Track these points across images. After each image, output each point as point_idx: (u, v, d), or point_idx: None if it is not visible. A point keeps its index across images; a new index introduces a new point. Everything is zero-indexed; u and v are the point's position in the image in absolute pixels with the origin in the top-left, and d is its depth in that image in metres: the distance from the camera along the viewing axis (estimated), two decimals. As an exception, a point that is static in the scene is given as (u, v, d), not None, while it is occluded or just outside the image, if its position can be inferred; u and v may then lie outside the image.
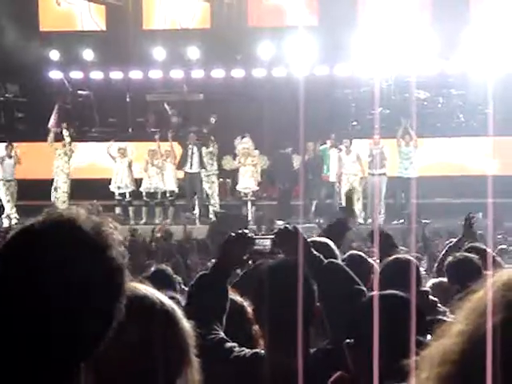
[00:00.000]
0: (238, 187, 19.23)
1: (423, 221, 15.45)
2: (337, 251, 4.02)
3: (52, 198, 19.18)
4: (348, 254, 5.39)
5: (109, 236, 1.53)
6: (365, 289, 3.26)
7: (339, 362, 2.65)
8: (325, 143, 19.48)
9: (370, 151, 18.66)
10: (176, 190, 19.33)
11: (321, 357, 2.92)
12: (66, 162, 19.46)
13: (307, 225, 15.75)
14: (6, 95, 22.15)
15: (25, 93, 22.25)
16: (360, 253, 5.53)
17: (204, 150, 19.14)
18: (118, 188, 19.36)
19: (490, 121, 17.64)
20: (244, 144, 19.14)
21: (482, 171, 18.80)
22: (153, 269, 6.20)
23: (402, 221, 17.77)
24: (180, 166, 19.25)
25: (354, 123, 21.27)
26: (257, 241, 3.39)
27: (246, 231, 3.44)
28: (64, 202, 18.97)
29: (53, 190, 19.37)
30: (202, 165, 19.08)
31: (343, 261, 4.67)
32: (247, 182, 19.03)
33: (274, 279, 2.99)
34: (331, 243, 4.05)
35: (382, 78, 20.78)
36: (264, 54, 20.92)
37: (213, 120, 19.40)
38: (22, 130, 22.17)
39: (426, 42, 19.78)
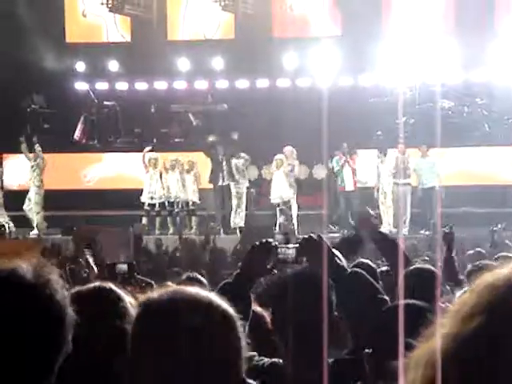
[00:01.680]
0: (271, 196, 19.15)
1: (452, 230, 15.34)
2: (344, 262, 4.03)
3: (24, 207, 19.23)
4: (355, 262, 5.39)
5: (49, 286, 1.56)
6: (388, 298, 3.26)
7: (359, 373, 2.65)
8: (335, 155, 19.28)
9: (395, 161, 18.62)
10: (198, 201, 19.30)
11: (340, 367, 2.93)
12: (37, 174, 19.34)
13: (331, 235, 15.73)
14: (33, 106, 22.29)
15: (51, 104, 22.39)
16: (368, 261, 5.50)
17: (234, 161, 19.08)
18: (152, 199, 19.29)
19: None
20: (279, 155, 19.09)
21: (507, 181, 18.69)
22: (184, 276, 6.21)
23: (428, 231, 17.70)
24: (212, 179, 19.13)
25: (379, 133, 21.21)
26: (281, 250, 3.42)
27: (270, 240, 3.47)
28: (38, 212, 19.02)
29: (27, 199, 19.43)
30: (232, 177, 19.03)
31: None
32: (280, 191, 18.97)
33: (294, 288, 3.00)
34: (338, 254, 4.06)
35: (406, 87, 20.72)
36: (288, 64, 20.96)
37: (235, 136, 19.42)
38: (48, 141, 22.30)
39: (450, 51, 19.73)
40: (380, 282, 5.13)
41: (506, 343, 1.07)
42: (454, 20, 20.84)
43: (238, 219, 18.97)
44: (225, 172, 19.06)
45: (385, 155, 18.72)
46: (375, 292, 3.29)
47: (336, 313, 3.04)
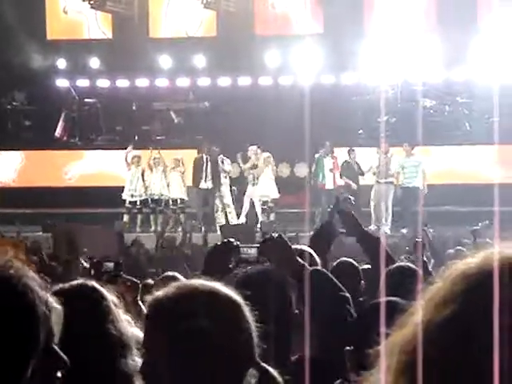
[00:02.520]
0: (257, 195, 19.15)
1: (428, 229, 15.40)
2: (317, 259, 4.02)
3: None
4: (338, 261, 5.38)
5: (22, 282, 1.53)
6: (349, 295, 3.29)
7: (323, 370, 2.65)
8: (317, 152, 19.28)
9: (378, 159, 18.66)
10: (186, 198, 19.23)
11: (303, 364, 2.93)
12: None
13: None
14: (13, 103, 22.21)
15: (32, 101, 22.31)
16: (351, 260, 5.50)
17: (218, 165, 19.07)
18: (132, 196, 19.24)
19: (495, 129, 17.60)
20: (266, 153, 19.08)
21: (489, 179, 18.77)
22: (162, 276, 6.21)
23: (407, 230, 17.75)
24: (195, 181, 19.06)
25: (360, 131, 21.27)
26: (243, 249, 3.44)
27: (232, 240, 3.50)
28: None
29: None
30: (215, 180, 19.00)
31: (333, 268, 4.68)
32: (269, 190, 19.00)
33: (247, 287, 3.01)
34: (312, 251, 4.04)
35: (388, 85, 20.77)
36: (270, 62, 20.96)
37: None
38: (29, 138, 22.22)
39: (431, 49, 19.80)
40: (362, 282, 5.14)
41: (479, 330, 1.08)
42: (435, 18, 20.90)
43: (225, 218, 19.00)
44: (208, 173, 19.03)
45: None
46: (337, 290, 3.31)
47: (297, 311, 3.04)
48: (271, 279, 2.92)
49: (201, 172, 18.95)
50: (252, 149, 19.13)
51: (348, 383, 2.60)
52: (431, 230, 15.94)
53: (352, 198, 5.67)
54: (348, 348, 2.60)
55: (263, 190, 19.00)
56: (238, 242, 3.53)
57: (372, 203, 18.44)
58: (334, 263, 5.34)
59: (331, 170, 19.01)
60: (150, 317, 1.96)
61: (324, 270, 3.52)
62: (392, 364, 1.14)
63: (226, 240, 3.53)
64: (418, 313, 1.15)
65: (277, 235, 3.39)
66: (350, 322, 3.03)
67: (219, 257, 3.40)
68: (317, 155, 19.12)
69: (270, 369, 2.02)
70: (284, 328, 2.82)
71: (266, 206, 19.00)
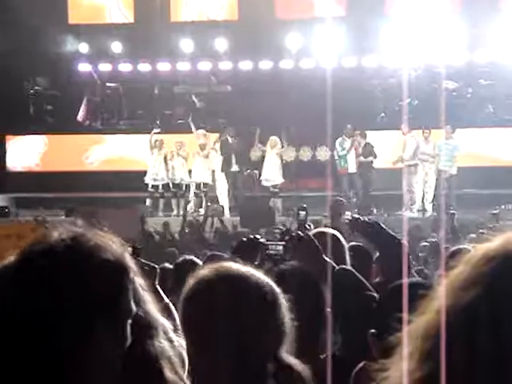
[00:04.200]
0: (264, 179, 19.17)
1: (452, 211, 15.37)
2: (344, 242, 4.02)
3: None
4: (349, 245, 5.37)
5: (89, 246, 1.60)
6: (376, 295, 3.27)
7: (349, 367, 2.65)
8: (339, 135, 19.17)
9: (415, 142, 18.61)
10: (209, 182, 19.21)
11: (331, 362, 2.93)
12: None
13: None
14: (36, 88, 22.28)
15: (54, 85, 22.38)
16: (360, 243, 5.48)
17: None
18: (154, 180, 19.28)
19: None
20: (272, 137, 19.10)
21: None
22: (180, 259, 6.21)
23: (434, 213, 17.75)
24: (224, 167, 19.12)
25: (382, 114, 21.19)
26: (270, 246, 3.44)
27: (258, 236, 3.49)
28: None
29: None
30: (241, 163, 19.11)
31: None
32: (273, 175, 19.01)
33: (288, 286, 3.03)
34: (339, 235, 4.03)
35: (410, 68, 20.64)
36: (292, 45, 20.88)
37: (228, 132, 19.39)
38: (51, 123, 22.32)
39: (454, 31, 19.63)
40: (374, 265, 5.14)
41: (506, 312, 1.08)
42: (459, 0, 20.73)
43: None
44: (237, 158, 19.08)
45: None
46: (363, 289, 3.30)
47: (329, 309, 3.04)
48: (308, 277, 2.92)
49: (229, 155, 18.99)
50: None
51: (371, 366, 2.59)
52: (455, 213, 15.93)
53: (341, 199, 5.62)
54: (372, 331, 2.60)
55: (266, 174, 19.02)
56: (264, 240, 3.52)
57: (406, 186, 18.35)
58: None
59: (354, 153, 18.93)
60: (191, 297, 1.98)
61: (349, 268, 3.49)
62: (415, 350, 1.14)
63: (252, 236, 3.50)
64: (439, 298, 1.15)
65: (304, 233, 3.37)
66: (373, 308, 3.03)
67: (245, 253, 3.37)
68: (339, 139, 19.03)
69: (294, 363, 2.01)
70: (316, 326, 2.82)
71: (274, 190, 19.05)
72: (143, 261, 4.91)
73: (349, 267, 3.48)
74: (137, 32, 21.47)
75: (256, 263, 3.38)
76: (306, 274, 3.00)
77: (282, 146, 19.29)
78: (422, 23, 19.36)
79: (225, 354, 1.91)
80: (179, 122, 21.58)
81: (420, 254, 10.74)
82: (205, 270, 2.01)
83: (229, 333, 1.89)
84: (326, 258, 3.27)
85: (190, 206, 19.14)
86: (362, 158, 18.86)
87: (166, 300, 4.81)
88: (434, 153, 18.53)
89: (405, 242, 4.37)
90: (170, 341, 2.01)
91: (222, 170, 19.05)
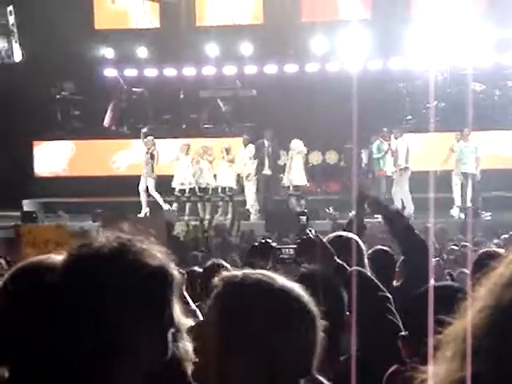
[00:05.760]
0: (290, 182, 19.16)
1: (484, 214, 15.32)
2: (363, 246, 4.01)
3: None
4: (373, 249, 5.38)
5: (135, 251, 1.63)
6: (390, 296, 3.26)
7: (368, 369, 2.63)
8: (377, 139, 19.11)
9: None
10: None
11: (350, 364, 2.92)
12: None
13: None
14: (63, 93, 22.41)
15: (80, 90, 22.50)
16: (385, 247, 5.51)
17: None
18: (181, 184, 19.32)
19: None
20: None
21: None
22: (209, 262, 6.20)
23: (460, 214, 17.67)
24: (257, 168, 19.12)
25: (409, 117, 21.10)
26: (282, 250, 3.44)
27: (269, 240, 3.50)
28: None
29: None
30: (274, 167, 19.10)
31: (368, 257, 4.66)
32: (298, 178, 19.00)
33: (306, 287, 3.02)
34: (357, 238, 4.02)
35: (436, 70, 20.54)
36: (317, 48, 20.86)
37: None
38: (78, 128, 22.44)
39: (481, 33, 19.51)
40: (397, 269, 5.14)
41: None
42: (485, 2, 20.61)
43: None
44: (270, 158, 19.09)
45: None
46: (376, 290, 3.29)
47: (348, 312, 3.03)
48: (328, 280, 2.91)
49: (263, 158, 19.00)
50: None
51: (404, 368, 2.58)
52: (488, 215, 15.83)
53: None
54: (402, 334, 2.59)
55: (291, 177, 19.01)
56: (275, 244, 3.53)
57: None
58: (370, 251, 5.38)
59: (394, 155, 18.81)
60: (220, 296, 1.91)
61: (362, 269, 3.48)
62: (457, 351, 1.13)
63: (263, 240, 3.52)
64: (480, 299, 1.14)
65: (314, 235, 3.37)
66: (402, 308, 3.01)
67: (257, 256, 3.38)
68: (376, 142, 18.90)
69: (326, 382, 1.97)
70: (336, 329, 2.81)
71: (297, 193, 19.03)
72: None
73: (362, 269, 3.47)
74: (162, 37, 21.56)
75: (268, 267, 3.38)
76: (326, 276, 2.99)
77: (308, 150, 19.28)
78: (447, 25, 19.27)
79: (254, 365, 1.85)
80: (205, 126, 21.64)
81: (447, 257, 10.68)
82: (242, 277, 1.93)
83: (260, 346, 1.82)
84: (338, 261, 3.26)
85: (216, 210, 19.17)
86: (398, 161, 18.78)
87: (193, 306, 4.81)
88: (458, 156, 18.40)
89: (431, 244, 4.36)
90: None
91: (254, 174, 19.06)
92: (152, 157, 19.20)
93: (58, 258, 2.10)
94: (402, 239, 4.46)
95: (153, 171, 19.15)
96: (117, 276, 1.56)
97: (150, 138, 19.44)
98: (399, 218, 4.61)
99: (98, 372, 1.53)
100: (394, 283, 4.91)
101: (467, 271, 7.53)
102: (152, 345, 1.58)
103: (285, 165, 19.54)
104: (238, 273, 1.91)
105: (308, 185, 19.24)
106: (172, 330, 1.64)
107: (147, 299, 1.57)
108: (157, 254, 1.63)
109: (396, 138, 18.90)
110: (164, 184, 19.21)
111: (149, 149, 19.26)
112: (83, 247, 1.62)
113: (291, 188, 19.02)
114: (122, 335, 1.53)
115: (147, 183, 19.08)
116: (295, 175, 18.98)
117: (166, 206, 18.92)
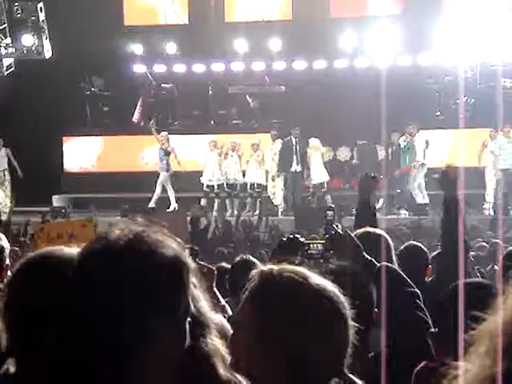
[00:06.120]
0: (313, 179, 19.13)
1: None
2: (390, 241, 3.99)
3: None
4: (404, 245, 5.36)
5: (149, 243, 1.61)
6: (418, 291, 3.24)
7: (397, 366, 2.62)
8: (403, 135, 18.92)
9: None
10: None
11: (379, 360, 2.90)
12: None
13: (389, 216, 15.65)
14: (92, 89, 22.53)
15: (109, 86, 22.61)
16: (417, 243, 5.49)
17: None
18: (210, 180, 19.38)
19: None
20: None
21: None
22: (238, 258, 6.20)
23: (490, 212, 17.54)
24: (284, 165, 19.10)
25: (438, 113, 20.97)
26: (311, 245, 3.43)
27: (298, 236, 3.49)
28: None
29: None
30: (303, 164, 19.09)
31: (400, 252, 4.63)
32: (320, 174, 18.97)
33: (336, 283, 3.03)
34: (385, 234, 4.00)
35: (466, 66, 20.38)
36: (346, 44, 20.79)
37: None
38: (107, 124, 22.54)
39: (511, 28, 19.32)
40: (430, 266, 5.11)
41: None
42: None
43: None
44: (298, 154, 19.04)
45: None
46: (404, 286, 3.28)
47: (376, 309, 3.01)
48: (356, 276, 2.90)
49: (291, 155, 18.96)
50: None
51: (434, 364, 2.57)
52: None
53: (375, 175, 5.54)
54: (432, 330, 2.57)
55: (314, 173, 18.97)
56: (304, 239, 3.52)
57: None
58: (402, 246, 5.38)
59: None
60: (256, 289, 1.92)
61: (390, 265, 3.46)
62: (490, 347, 1.12)
63: (291, 236, 3.51)
64: (510, 296, 1.14)
65: (343, 231, 3.36)
66: (434, 304, 3.00)
67: (285, 252, 3.37)
68: (403, 138, 18.72)
69: (358, 381, 1.96)
70: (365, 326, 2.79)
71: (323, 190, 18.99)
72: (201, 263, 4.91)
73: (390, 264, 3.45)
74: (191, 33, 21.58)
75: (296, 262, 3.37)
76: (355, 272, 2.98)
77: (335, 146, 19.23)
78: (477, 20, 19.12)
79: (286, 360, 1.85)
80: (234, 122, 21.67)
81: (476, 253, 10.60)
82: (278, 272, 1.94)
83: (292, 342, 1.82)
84: (367, 256, 3.24)
85: (244, 206, 19.20)
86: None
87: (223, 302, 4.80)
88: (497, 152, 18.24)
89: (462, 240, 4.33)
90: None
91: (282, 170, 19.03)
92: (166, 153, 19.27)
93: (69, 250, 2.11)
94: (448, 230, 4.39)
95: (168, 166, 19.21)
96: (132, 268, 1.56)
97: (163, 133, 19.51)
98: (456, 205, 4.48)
99: (114, 366, 1.52)
100: (426, 279, 4.90)
101: (497, 267, 7.48)
102: (169, 335, 1.58)
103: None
104: (275, 267, 1.91)
105: (327, 181, 19.11)
106: (189, 320, 1.63)
107: (162, 290, 1.57)
108: (171, 244, 1.63)
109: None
110: (192, 180, 19.27)
111: (163, 144, 19.34)
112: (97, 240, 1.62)
113: (311, 186, 19.02)
114: (138, 328, 1.52)
115: (160, 177, 19.19)
116: (314, 173, 18.94)
117: (174, 204, 18.95)
